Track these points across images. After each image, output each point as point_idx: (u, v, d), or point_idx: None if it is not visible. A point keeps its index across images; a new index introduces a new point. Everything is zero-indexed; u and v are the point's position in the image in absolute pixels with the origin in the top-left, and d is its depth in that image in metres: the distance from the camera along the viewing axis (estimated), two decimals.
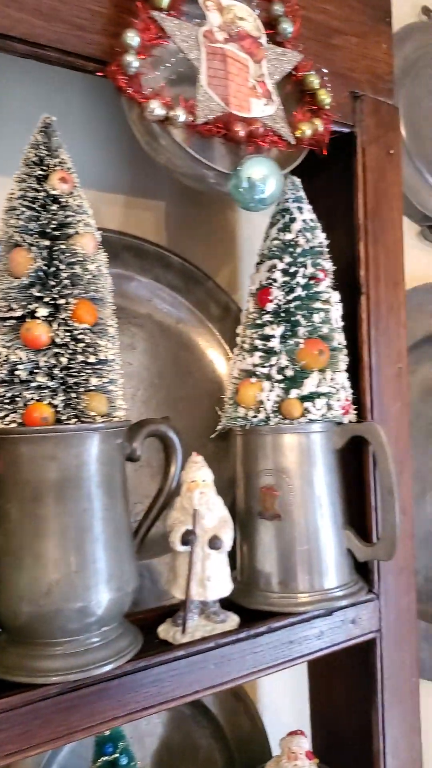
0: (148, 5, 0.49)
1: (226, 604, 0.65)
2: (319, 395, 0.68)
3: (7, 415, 0.53)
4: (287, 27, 0.55)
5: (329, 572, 0.67)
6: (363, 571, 0.71)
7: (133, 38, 0.47)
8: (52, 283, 0.54)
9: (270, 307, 0.70)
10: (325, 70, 0.59)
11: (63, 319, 0.54)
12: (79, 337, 0.54)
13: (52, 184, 0.55)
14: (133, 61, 0.47)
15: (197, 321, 0.89)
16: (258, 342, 0.70)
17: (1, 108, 0.70)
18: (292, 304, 0.70)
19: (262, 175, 0.50)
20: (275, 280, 0.70)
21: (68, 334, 0.54)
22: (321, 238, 0.72)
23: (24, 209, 0.55)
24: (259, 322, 0.71)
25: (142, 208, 0.87)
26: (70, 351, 0.54)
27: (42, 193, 0.55)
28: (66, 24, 0.52)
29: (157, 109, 0.48)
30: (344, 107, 0.71)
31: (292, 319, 0.70)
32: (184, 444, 0.66)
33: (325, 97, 0.57)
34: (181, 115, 0.48)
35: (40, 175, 0.55)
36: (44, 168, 0.56)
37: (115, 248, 0.82)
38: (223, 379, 0.87)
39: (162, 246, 0.85)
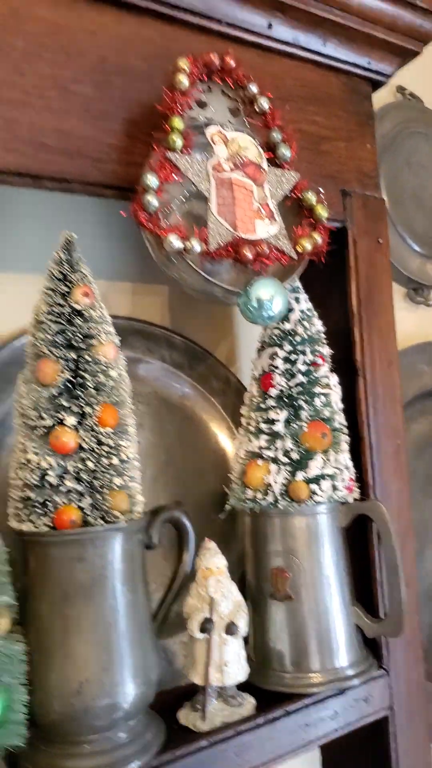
0: (164, 147, 0.54)
1: (241, 683, 0.67)
2: (324, 477, 0.72)
3: (38, 519, 0.56)
4: (286, 152, 0.61)
5: (340, 651, 0.70)
6: (371, 645, 0.74)
7: (151, 180, 0.52)
8: (79, 392, 0.58)
9: (273, 392, 0.74)
10: (321, 189, 0.64)
11: (89, 425, 0.57)
12: (104, 440, 0.58)
13: (76, 299, 0.59)
14: (152, 200, 0.52)
15: (200, 395, 0.92)
16: (263, 425, 0.74)
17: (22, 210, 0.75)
18: (294, 390, 0.74)
19: (270, 295, 0.55)
20: (277, 367, 0.75)
21: (94, 439, 0.57)
22: (318, 325, 0.76)
23: (51, 323, 0.58)
24: (263, 406, 0.75)
25: (148, 293, 0.91)
26: (96, 455, 0.57)
27: (67, 308, 0.59)
28: (88, 159, 0.57)
29: (175, 242, 0.52)
30: (335, 205, 0.77)
31: (295, 403, 0.74)
32: (193, 521, 0.69)
33: (323, 212, 0.62)
34: (196, 245, 0.53)
35: (64, 291, 0.59)
36: (67, 283, 0.60)
37: (123, 333, 0.86)
38: (227, 452, 0.90)
39: (166, 327, 0.89)
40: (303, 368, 0.74)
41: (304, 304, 0.76)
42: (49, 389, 0.57)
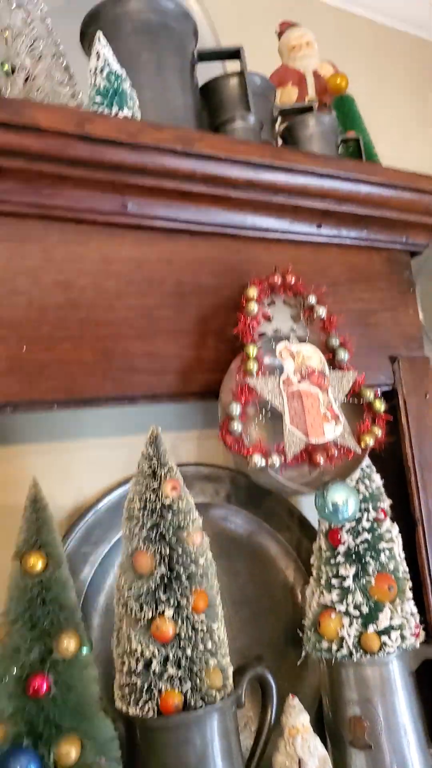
0: (244, 373, 0.63)
1: None
2: (393, 628, 0.78)
3: (144, 704, 0.63)
4: (344, 355, 0.69)
5: None
6: None
7: (235, 408, 0.61)
8: (174, 585, 0.65)
9: (341, 548, 0.81)
10: (378, 391, 0.72)
11: (185, 614, 0.65)
12: (198, 626, 0.65)
13: (166, 493, 0.68)
14: (237, 426, 0.60)
15: (266, 532, 0.99)
16: (334, 580, 0.80)
17: None
18: (361, 547, 0.80)
19: (344, 500, 0.62)
20: (343, 525, 0.81)
21: (190, 626, 0.64)
22: (378, 481, 0.83)
23: (144, 519, 0.66)
24: (332, 561, 0.81)
25: (212, 436, 0.99)
26: (192, 641, 0.64)
27: (158, 504, 0.67)
28: (172, 373, 0.67)
29: (259, 461, 0.60)
30: (385, 370, 0.85)
31: (362, 559, 0.80)
32: (270, 661, 0.75)
33: (380, 407, 0.70)
34: (276, 460, 0.61)
35: (154, 486, 0.68)
36: (157, 478, 0.68)
37: (192, 479, 0.94)
38: (295, 585, 0.96)
39: (231, 467, 0.97)
40: (367, 525, 0.80)
41: (363, 461, 0.83)
42: (147, 581, 0.65)
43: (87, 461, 0.85)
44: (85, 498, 0.86)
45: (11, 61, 0.78)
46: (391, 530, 0.82)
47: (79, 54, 0.88)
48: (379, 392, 0.71)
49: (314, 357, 0.68)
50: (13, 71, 0.78)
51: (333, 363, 0.70)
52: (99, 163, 0.62)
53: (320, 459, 0.62)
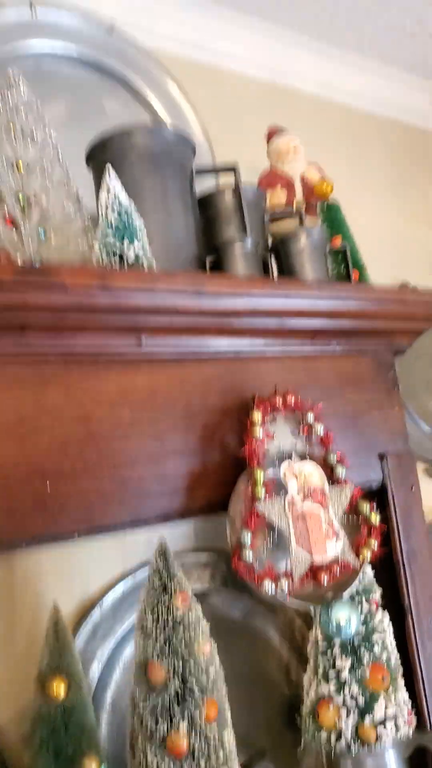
0: (253, 498, 0.68)
1: None
2: (388, 718, 0.82)
3: None
4: (342, 471, 0.75)
5: None
6: None
7: (246, 537, 0.66)
8: (188, 698, 0.69)
9: (336, 640, 0.85)
10: (373, 503, 0.78)
11: (198, 725, 0.69)
12: (210, 738, 0.69)
13: (176, 605, 0.72)
14: (248, 553, 0.65)
15: (260, 613, 1.03)
16: (330, 672, 0.85)
17: None
18: (356, 639, 0.85)
19: (346, 618, 0.68)
20: None
21: (203, 738, 0.68)
22: (370, 574, 0.88)
23: (157, 633, 0.70)
24: (329, 654, 0.86)
25: (209, 520, 1.03)
26: (205, 753, 0.68)
27: (170, 617, 0.71)
28: (183, 492, 0.72)
29: (269, 587, 0.65)
30: (375, 467, 0.91)
31: (357, 652, 0.85)
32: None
33: (375, 519, 0.76)
34: (284, 584, 0.66)
35: (165, 601, 0.72)
36: (167, 591, 0.72)
37: (189, 568, 0.98)
38: (289, 662, 1.01)
39: (226, 550, 1.01)
40: (361, 618, 0.85)
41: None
42: (161, 694, 0.69)
43: (89, 558, 0.88)
44: (90, 594, 0.90)
45: (24, 191, 0.83)
46: (383, 620, 0.88)
47: (80, 161, 0.93)
48: (374, 505, 0.77)
49: (315, 474, 0.74)
50: (27, 202, 0.82)
51: (331, 477, 0.75)
52: (118, 310, 0.66)
53: (324, 578, 0.68)
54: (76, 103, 1.11)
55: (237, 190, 0.94)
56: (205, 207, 0.96)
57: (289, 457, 0.74)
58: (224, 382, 0.80)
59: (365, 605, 0.86)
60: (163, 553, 0.74)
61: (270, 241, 1.08)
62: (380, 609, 0.88)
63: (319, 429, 0.76)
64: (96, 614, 0.90)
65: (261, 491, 0.68)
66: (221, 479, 0.76)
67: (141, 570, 0.91)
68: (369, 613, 0.86)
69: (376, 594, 0.88)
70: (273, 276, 0.89)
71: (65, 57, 1.12)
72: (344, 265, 0.99)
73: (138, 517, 0.70)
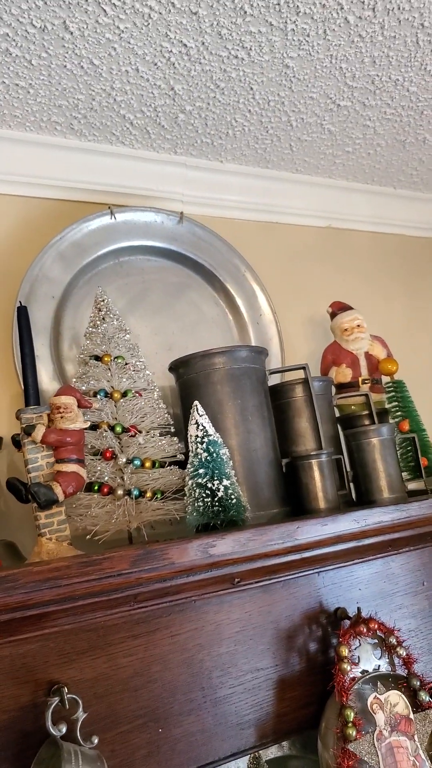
0: (344, 739, 0.74)
1: None
2: None
3: None
4: (425, 697, 0.80)
5: None
6: None
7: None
8: None
9: None
10: None
11: None
12: None
13: None
14: (349, 669, 0.74)
15: None
16: None
17: None
18: None
19: None
20: None
21: None
22: None
23: None
24: None
25: None
26: None
27: None
28: (275, 719, 0.78)
29: None
30: None
31: None
32: None
33: None
34: None
35: None
36: None
37: None
38: None
39: None
40: None
41: None
42: None
43: None
44: None
45: (120, 421, 0.93)
46: None
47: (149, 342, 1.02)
48: None
49: (400, 703, 0.79)
50: (123, 430, 0.92)
51: (414, 702, 0.80)
52: (216, 566, 0.74)
53: None
54: (152, 289, 1.22)
55: (308, 389, 1.02)
56: (276, 394, 1.04)
57: (374, 683, 0.80)
58: (309, 597, 0.86)
59: None
60: None
61: (336, 413, 1.15)
62: None
63: (402, 651, 0.82)
64: None
65: (352, 733, 0.74)
66: (308, 698, 0.83)
67: None
68: None
69: None
70: (351, 494, 0.96)
71: (141, 247, 1.23)
72: (414, 452, 1.05)
73: (238, 749, 0.77)
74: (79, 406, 0.83)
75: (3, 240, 1.15)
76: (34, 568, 0.63)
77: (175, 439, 0.95)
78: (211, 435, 0.87)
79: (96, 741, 0.65)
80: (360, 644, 0.83)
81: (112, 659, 0.72)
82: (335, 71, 1.13)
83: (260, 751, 1.01)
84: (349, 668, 0.78)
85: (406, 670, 0.82)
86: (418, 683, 0.81)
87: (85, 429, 0.84)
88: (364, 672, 0.81)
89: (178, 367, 1.00)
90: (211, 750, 0.76)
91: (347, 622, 0.85)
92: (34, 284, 1.07)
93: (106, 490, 0.87)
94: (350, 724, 0.75)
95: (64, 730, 0.63)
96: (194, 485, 0.84)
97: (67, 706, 0.65)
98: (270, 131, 1.28)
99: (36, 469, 0.78)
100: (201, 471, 0.85)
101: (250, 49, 1.04)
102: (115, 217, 1.20)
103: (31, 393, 0.81)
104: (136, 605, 0.73)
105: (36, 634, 0.69)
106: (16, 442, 0.80)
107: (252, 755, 0.83)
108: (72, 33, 0.95)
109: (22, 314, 0.84)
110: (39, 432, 0.78)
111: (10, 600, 0.62)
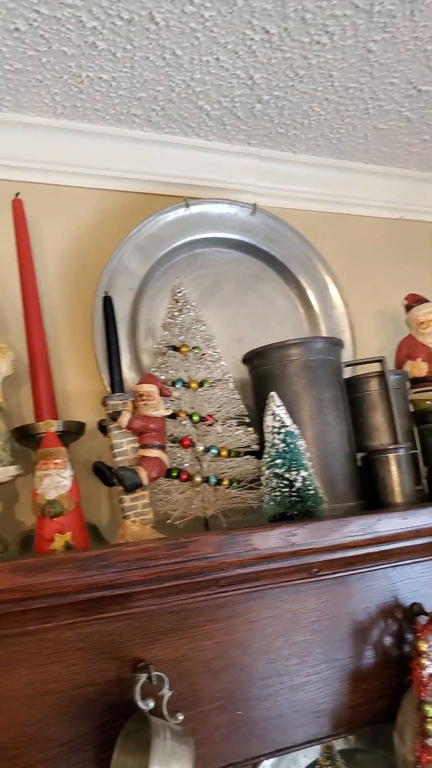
0: (424, 734, 0.74)
1: None
2: None
3: None
4: None
5: None
6: None
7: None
8: None
9: None
10: None
11: None
12: None
13: None
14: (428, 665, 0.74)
15: None
16: None
17: None
18: None
19: None
20: None
21: None
22: None
23: None
24: None
25: None
26: None
27: None
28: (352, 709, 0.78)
29: None
30: None
31: None
32: None
33: None
34: None
35: None
36: None
37: None
38: None
39: None
40: None
41: None
42: None
43: None
44: None
45: (197, 410, 0.94)
46: None
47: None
48: None
49: None
50: (201, 419, 0.94)
51: None
52: (296, 555, 0.75)
53: None
54: (224, 281, 1.23)
55: (384, 382, 1.01)
56: (351, 387, 1.03)
57: None
58: (385, 591, 0.86)
59: None
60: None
61: (411, 408, 1.14)
62: None
63: None
64: None
65: (430, 727, 0.74)
66: (382, 691, 0.83)
67: None
68: None
69: None
70: (425, 490, 0.95)
71: (214, 239, 1.24)
72: None
73: (314, 737, 0.78)
74: (161, 394, 0.85)
75: (83, 232, 1.18)
76: (125, 548, 0.65)
77: (251, 429, 0.96)
78: (288, 426, 0.88)
79: (181, 718, 0.67)
80: None
81: (193, 641, 0.74)
82: (419, 54, 1.10)
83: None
84: (427, 663, 0.78)
85: None
86: None
87: (166, 417, 0.86)
88: None
89: (252, 358, 1.01)
90: (287, 736, 0.77)
91: (424, 618, 0.84)
92: (113, 276, 1.10)
93: (185, 476, 0.89)
94: (430, 720, 0.74)
95: (151, 705, 0.65)
96: (271, 475, 0.85)
97: (154, 683, 0.67)
98: (346, 120, 1.26)
99: (121, 453, 0.81)
100: (278, 461, 0.85)
101: (333, 33, 1.03)
102: (190, 209, 1.21)
103: (116, 381, 0.83)
104: (218, 590, 0.75)
105: (122, 613, 0.71)
106: (102, 428, 0.83)
107: (325, 745, 0.83)
108: (157, 23, 0.96)
109: (108, 304, 0.86)
110: (125, 418, 0.80)
111: (102, 578, 0.65)
